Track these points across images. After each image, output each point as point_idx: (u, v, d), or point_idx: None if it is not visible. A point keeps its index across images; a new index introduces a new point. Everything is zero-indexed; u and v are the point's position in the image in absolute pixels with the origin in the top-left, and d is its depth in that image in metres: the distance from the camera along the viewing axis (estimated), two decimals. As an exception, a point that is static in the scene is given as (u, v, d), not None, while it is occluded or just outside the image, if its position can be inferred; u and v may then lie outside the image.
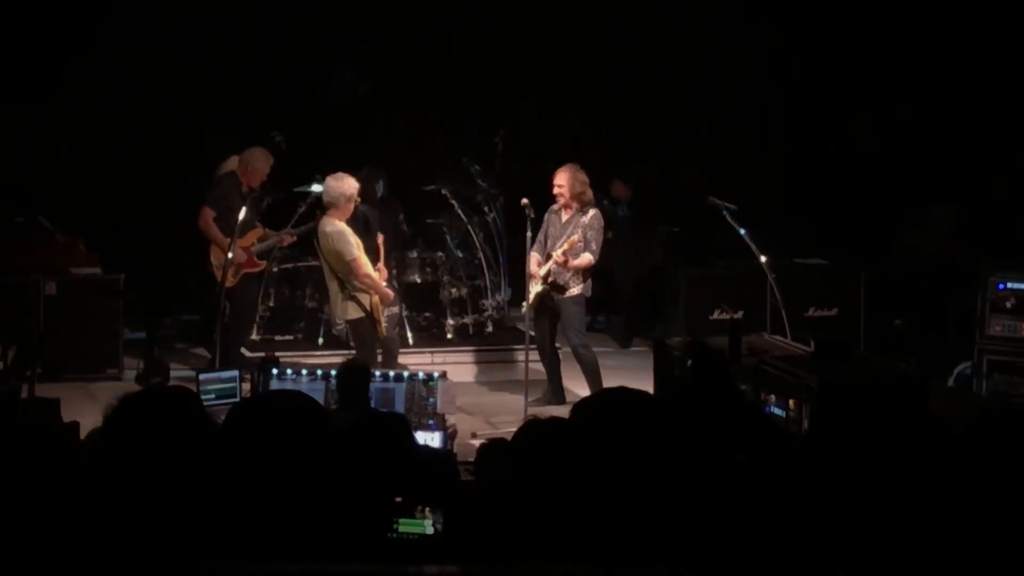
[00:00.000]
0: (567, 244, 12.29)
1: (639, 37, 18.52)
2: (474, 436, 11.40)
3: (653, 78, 19.15)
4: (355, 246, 11.92)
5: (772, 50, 18.86)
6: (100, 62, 17.58)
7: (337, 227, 11.89)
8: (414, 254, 14.74)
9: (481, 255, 14.90)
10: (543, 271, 12.41)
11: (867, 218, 17.03)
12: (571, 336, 12.64)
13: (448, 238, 14.94)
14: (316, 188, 14.04)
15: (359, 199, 12.11)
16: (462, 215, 14.91)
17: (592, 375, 12.56)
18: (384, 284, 12.22)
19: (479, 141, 15.30)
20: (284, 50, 18.16)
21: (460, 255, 14.82)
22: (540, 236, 12.55)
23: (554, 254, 12.33)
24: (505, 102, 18.08)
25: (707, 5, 18.88)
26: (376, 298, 12.02)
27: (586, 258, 12.43)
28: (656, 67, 18.98)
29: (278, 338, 14.35)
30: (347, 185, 11.95)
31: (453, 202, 14.93)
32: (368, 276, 11.95)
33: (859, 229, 16.64)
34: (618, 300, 15.73)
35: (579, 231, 12.46)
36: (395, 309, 13.23)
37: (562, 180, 12.53)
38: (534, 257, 12.50)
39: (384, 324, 12.16)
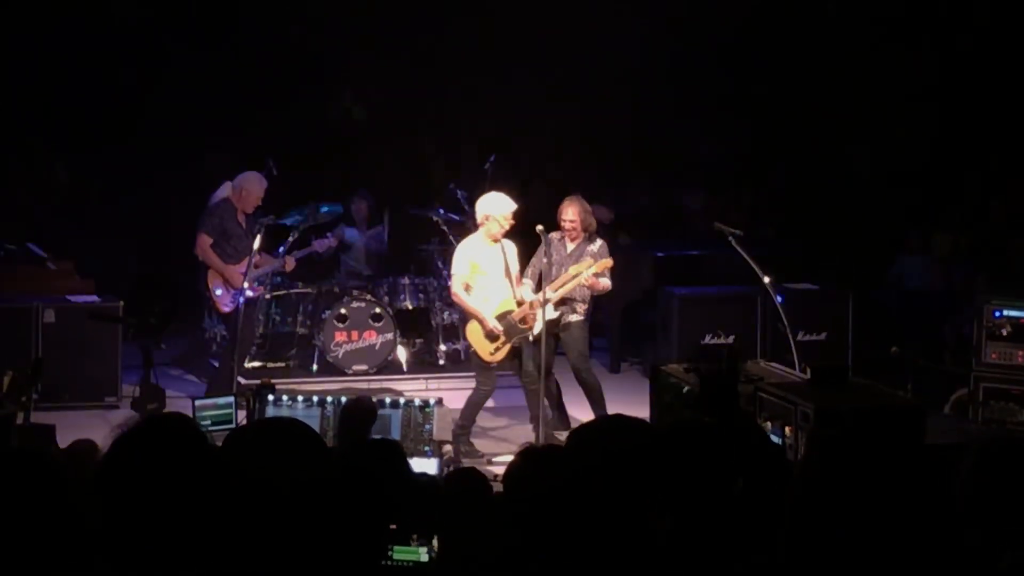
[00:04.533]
0: (599, 267, 12.15)
1: (633, 62, 18.57)
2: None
3: (647, 102, 19.19)
4: (464, 263, 11.90)
5: (770, 75, 18.91)
6: (94, 85, 17.63)
7: (464, 241, 12.07)
8: (406, 280, 14.73)
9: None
10: (557, 295, 12.22)
11: (864, 245, 17.05)
12: (576, 359, 12.48)
13: (439, 263, 14.92)
14: (296, 219, 13.95)
15: (506, 225, 11.91)
16: (453, 241, 14.91)
17: (597, 398, 12.43)
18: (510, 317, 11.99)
19: (473, 166, 15.30)
20: (280, 75, 18.21)
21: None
22: (536, 263, 12.36)
23: (583, 274, 12.14)
24: (499, 127, 18.12)
25: (701, 28, 18.93)
26: (475, 324, 11.98)
27: (605, 283, 12.33)
28: (651, 91, 19.03)
29: (270, 365, 14.30)
30: (484, 205, 11.97)
31: (444, 228, 14.92)
32: (456, 295, 12.06)
33: (856, 256, 16.66)
34: (605, 324, 15.64)
35: (589, 259, 12.34)
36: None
37: (573, 216, 12.38)
38: (527, 284, 12.31)
39: (496, 348, 11.97)
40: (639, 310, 15.22)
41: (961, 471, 4.23)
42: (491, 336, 11.90)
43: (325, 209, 14.43)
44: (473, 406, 12.07)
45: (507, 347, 11.96)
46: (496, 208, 11.89)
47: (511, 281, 11.98)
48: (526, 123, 18.74)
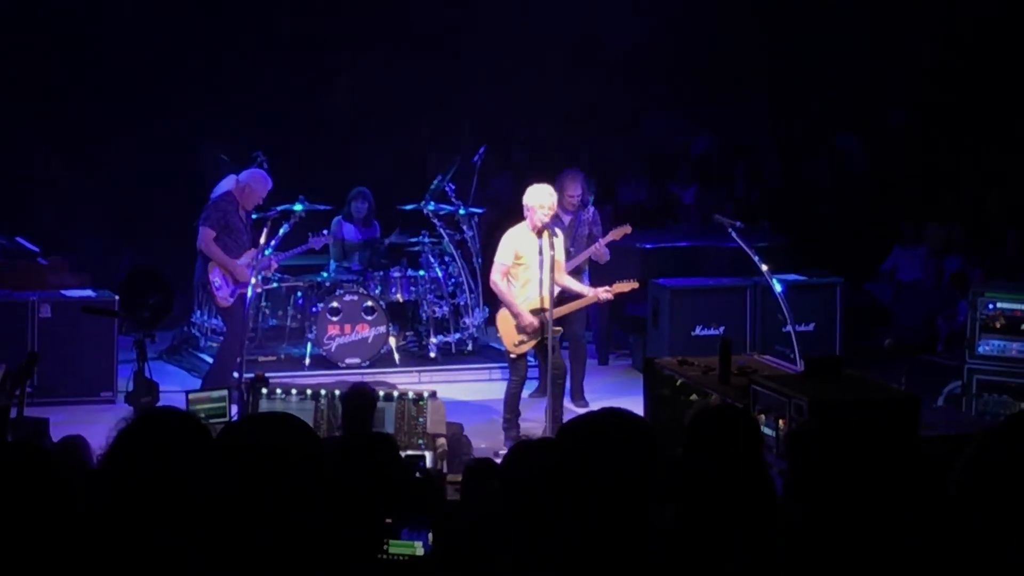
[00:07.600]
0: (617, 234, 12.95)
1: (628, 55, 18.57)
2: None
3: (641, 96, 19.19)
4: (508, 252, 11.80)
5: (765, 66, 18.92)
6: (88, 79, 17.61)
7: (511, 231, 11.90)
8: (396, 273, 14.71)
9: (462, 273, 14.86)
10: (579, 287, 12.39)
11: (857, 236, 17.05)
12: (580, 328, 13.12)
13: (430, 257, 14.89)
14: (298, 207, 13.91)
15: (545, 214, 11.65)
16: (443, 234, 14.89)
17: (582, 364, 13.13)
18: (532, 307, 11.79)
19: (463, 158, 15.27)
20: (274, 69, 18.20)
21: (441, 274, 14.78)
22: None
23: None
24: (493, 119, 18.11)
25: (697, 23, 18.95)
26: (504, 311, 11.93)
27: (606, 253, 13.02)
28: (644, 83, 19.03)
29: (261, 359, 14.24)
30: (527, 195, 11.82)
31: (435, 221, 14.90)
32: (494, 284, 11.93)
33: (850, 248, 16.66)
34: (592, 317, 15.52)
35: (586, 227, 13.11)
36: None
37: (579, 190, 13.06)
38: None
39: (521, 341, 11.88)
40: (625, 303, 15.18)
41: (965, 454, 4.18)
42: (522, 329, 11.86)
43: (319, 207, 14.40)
44: (511, 397, 12.13)
45: (533, 341, 11.90)
46: (533, 198, 11.77)
47: (555, 272, 11.79)
48: (519, 114, 18.75)
